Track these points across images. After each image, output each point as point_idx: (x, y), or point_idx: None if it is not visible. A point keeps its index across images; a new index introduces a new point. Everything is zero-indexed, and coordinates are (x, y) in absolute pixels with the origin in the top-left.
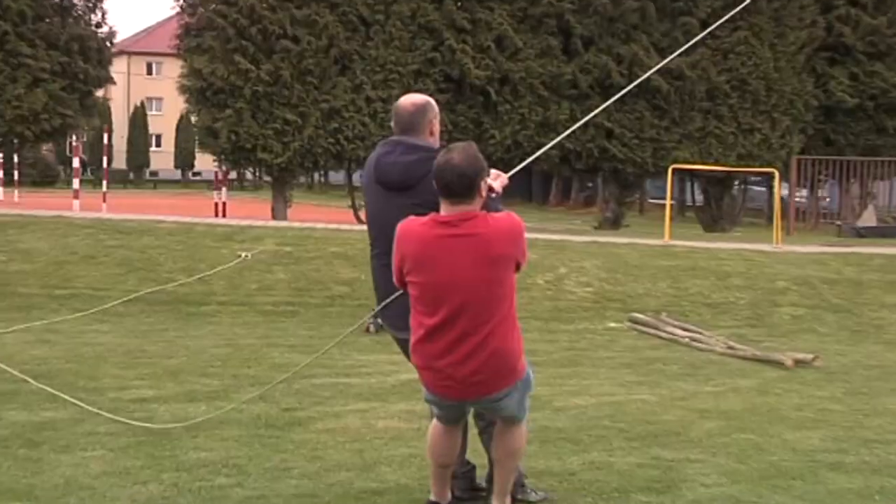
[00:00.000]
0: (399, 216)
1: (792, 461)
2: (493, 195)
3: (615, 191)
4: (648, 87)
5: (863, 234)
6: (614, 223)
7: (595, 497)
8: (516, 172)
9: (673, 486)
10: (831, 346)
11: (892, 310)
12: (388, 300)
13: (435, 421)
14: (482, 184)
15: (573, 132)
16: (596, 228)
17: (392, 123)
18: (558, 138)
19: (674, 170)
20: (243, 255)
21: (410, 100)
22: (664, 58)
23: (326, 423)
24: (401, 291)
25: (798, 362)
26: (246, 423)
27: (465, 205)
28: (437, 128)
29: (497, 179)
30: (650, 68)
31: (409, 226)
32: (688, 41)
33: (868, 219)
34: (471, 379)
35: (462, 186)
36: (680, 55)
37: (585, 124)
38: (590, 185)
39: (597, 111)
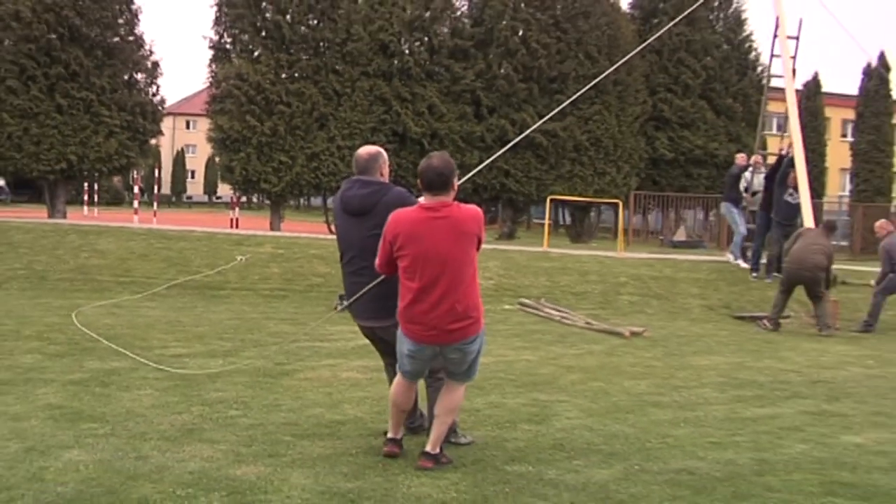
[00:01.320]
0: (360, 235)
1: (627, 401)
2: None
3: (510, 213)
4: (533, 142)
5: (677, 245)
6: (509, 236)
7: (493, 426)
8: None
9: (546, 419)
10: (655, 322)
11: (695, 298)
12: (355, 297)
13: (399, 377)
14: (454, 180)
15: (481, 172)
16: (497, 239)
17: (353, 167)
18: (469, 175)
19: (551, 199)
20: (240, 258)
21: (366, 149)
22: (544, 123)
23: (306, 373)
24: (364, 290)
25: (633, 333)
26: (250, 373)
27: (443, 196)
28: (386, 170)
29: None
30: (536, 131)
31: (402, 212)
32: (561, 111)
33: (680, 235)
34: (450, 327)
35: (440, 183)
36: (554, 120)
37: (490, 167)
38: (493, 209)
39: (494, 156)
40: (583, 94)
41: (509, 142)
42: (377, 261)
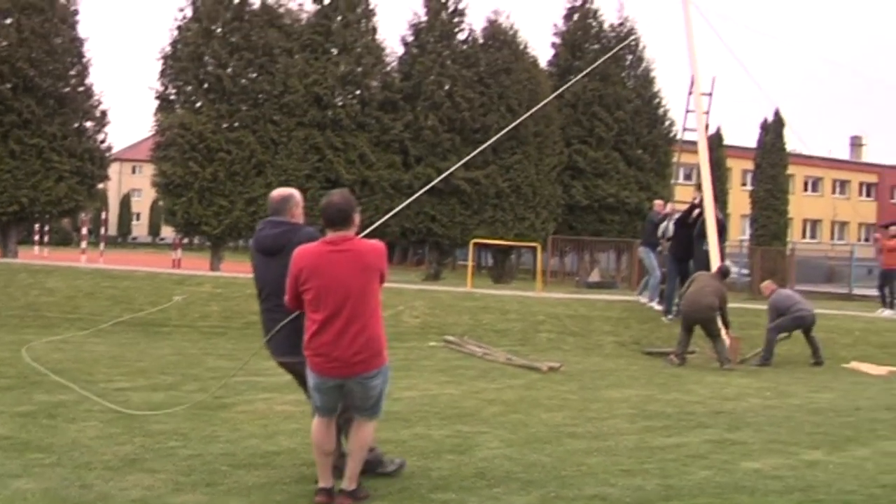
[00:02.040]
0: (274, 274)
1: (545, 432)
2: None
3: (436, 255)
4: (458, 189)
5: (591, 286)
6: (436, 277)
7: (418, 456)
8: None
9: (469, 449)
10: (571, 358)
11: (608, 335)
12: (271, 333)
13: (316, 418)
14: (355, 216)
15: (409, 217)
16: (423, 280)
17: (267, 208)
18: (391, 213)
19: (474, 243)
20: (177, 297)
21: (278, 192)
22: (468, 171)
23: (243, 406)
24: (279, 326)
25: (550, 368)
26: (189, 405)
27: (344, 230)
28: (297, 211)
29: None
30: (458, 178)
31: (305, 248)
32: (482, 160)
33: (595, 276)
34: (352, 359)
35: (341, 218)
36: (477, 168)
37: (417, 212)
38: (420, 251)
39: (416, 195)
40: (502, 142)
41: (435, 189)
42: (286, 297)
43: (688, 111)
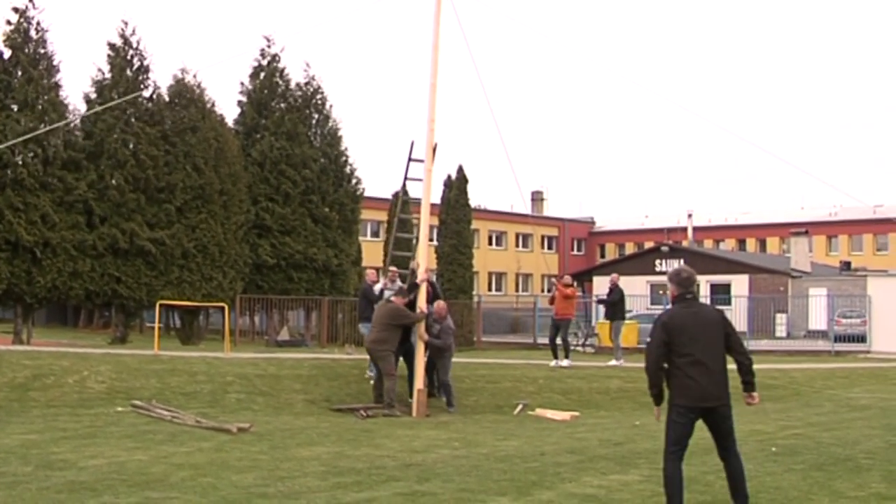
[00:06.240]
0: None
1: (235, 494)
2: None
3: (123, 318)
4: (143, 250)
5: (281, 344)
6: (122, 340)
7: None
8: None
9: None
10: (262, 418)
11: (298, 393)
12: None
13: None
14: None
15: (94, 279)
16: (110, 344)
17: None
18: None
19: (160, 304)
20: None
21: None
22: (153, 231)
23: None
24: None
25: (240, 429)
26: None
27: None
28: None
29: None
30: (145, 239)
31: None
32: (169, 220)
33: (284, 334)
34: None
35: None
36: (162, 229)
37: (101, 274)
38: (106, 313)
39: None
40: (188, 201)
41: (120, 249)
42: None
43: (406, 178)
